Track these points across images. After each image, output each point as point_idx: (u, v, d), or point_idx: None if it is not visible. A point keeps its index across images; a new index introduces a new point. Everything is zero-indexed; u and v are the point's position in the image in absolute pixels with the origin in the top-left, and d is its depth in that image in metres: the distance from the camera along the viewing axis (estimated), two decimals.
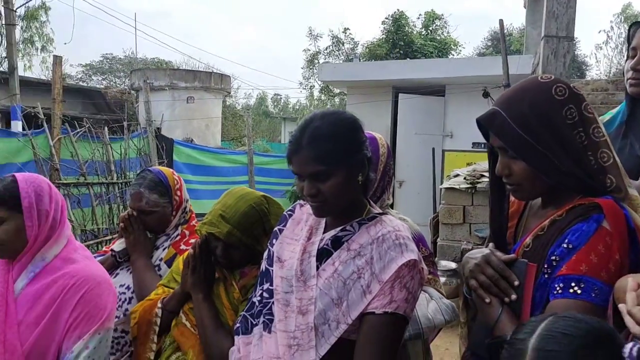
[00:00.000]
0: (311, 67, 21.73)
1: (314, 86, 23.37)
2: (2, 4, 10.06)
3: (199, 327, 1.56)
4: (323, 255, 1.33)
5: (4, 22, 10.36)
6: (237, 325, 1.43)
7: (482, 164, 5.86)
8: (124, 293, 1.99)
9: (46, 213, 1.52)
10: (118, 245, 2.12)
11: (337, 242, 1.33)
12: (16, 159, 4.89)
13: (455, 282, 4.96)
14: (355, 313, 1.25)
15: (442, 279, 3.88)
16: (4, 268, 1.51)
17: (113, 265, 2.08)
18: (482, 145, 7.52)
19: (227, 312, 1.58)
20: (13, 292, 1.47)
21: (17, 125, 7.51)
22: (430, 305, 1.72)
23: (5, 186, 1.50)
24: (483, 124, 1.29)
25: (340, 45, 20.53)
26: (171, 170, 2.22)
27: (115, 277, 2.04)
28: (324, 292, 1.28)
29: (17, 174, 1.56)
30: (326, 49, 20.97)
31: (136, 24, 30.07)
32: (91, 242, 5.26)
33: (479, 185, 5.33)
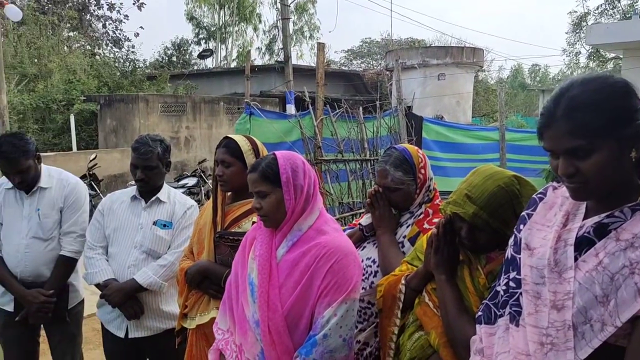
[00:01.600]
0: (578, 30, 19.31)
1: (580, 52, 20.78)
2: (279, 0, 11.53)
3: (441, 308, 1.53)
4: (583, 244, 1.14)
5: (280, 17, 11.86)
6: (479, 313, 1.35)
7: None
8: (370, 266, 2.08)
9: (301, 187, 1.67)
10: (365, 219, 2.22)
11: (601, 230, 1.13)
12: (288, 138, 5.59)
13: None
14: (627, 315, 1.05)
15: None
16: (268, 236, 1.71)
17: (360, 238, 2.19)
18: None
19: (472, 297, 1.50)
20: (276, 258, 1.66)
21: (290, 109, 8.56)
22: None
23: (268, 164, 1.69)
24: None
25: (616, 2, 17.66)
26: (416, 148, 2.21)
27: (362, 249, 2.15)
28: (585, 287, 1.10)
29: (276, 152, 1.74)
30: (597, 8, 18.32)
31: (392, 7, 31.06)
32: (347, 214, 5.71)
33: None
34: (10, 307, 2.77)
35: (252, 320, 1.63)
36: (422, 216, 2.08)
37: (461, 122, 14.01)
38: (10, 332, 2.81)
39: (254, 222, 2.15)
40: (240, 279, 1.73)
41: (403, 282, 1.71)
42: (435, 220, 2.00)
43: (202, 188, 10.08)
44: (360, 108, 6.38)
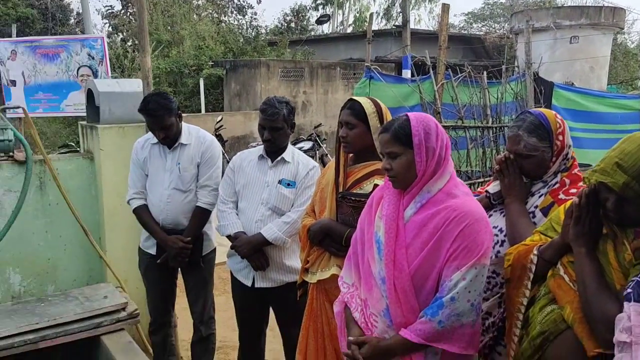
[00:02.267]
0: None
1: None
2: None
3: (578, 283, 1.44)
4: None
5: None
6: (629, 290, 1.25)
7: None
8: (497, 235, 2.01)
9: (433, 150, 1.64)
10: (493, 187, 2.13)
11: None
12: (406, 103, 5.50)
13: None
14: None
15: None
16: (396, 197, 1.71)
17: (487, 206, 2.11)
18: None
19: (615, 274, 1.39)
20: (403, 218, 1.67)
21: (407, 74, 8.37)
22: None
23: (400, 124, 1.68)
24: None
25: None
26: (554, 112, 2.06)
27: (489, 218, 2.08)
28: None
29: (409, 113, 1.72)
30: None
31: None
32: (465, 182, 5.54)
33: None
34: (153, 251, 3.09)
35: (378, 277, 1.66)
36: (557, 186, 1.95)
37: (595, 89, 12.76)
38: (152, 273, 3.15)
39: (376, 185, 2.17)
40: (366, 236, 1.77)
41: (535, 252, 1.63)
42: (573, 190, 1.87)
43: (317, 152, 10.33)
44: (484, 72, 6.07)
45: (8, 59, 5.51)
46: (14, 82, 5.54)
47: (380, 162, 2.27)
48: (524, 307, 1.63)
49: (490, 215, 2.09)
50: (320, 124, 11.38)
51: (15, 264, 3.18)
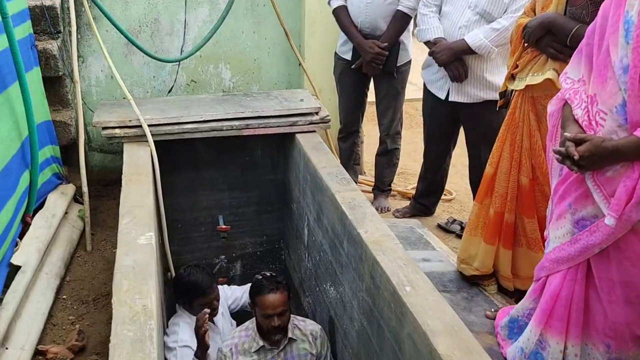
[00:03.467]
0: None
1: None
2: None
3: None
4: None
5: None
6: None
7: None
8: None
9: None
10: None
11: None
12: None
13: None
14: None
15: None
16: None
17: None
18: None
19: None
20: None
21: None
22: None
23: None
24: None
25: None
26: None
27: None
28: None
29: None
30: None
31: None
32: None
33: None
34: (348, 56, 3.06)
35: (619, 66, 1.34)
36: None
37: None
38: (345, 79, 3.16)
39: None
40: (611, 19, 1.41)
41: None
42: None
43: None
44: None
45: None
46: None
47: None
48: None
49: None
50: None
51: (226, 60, 3.44)
